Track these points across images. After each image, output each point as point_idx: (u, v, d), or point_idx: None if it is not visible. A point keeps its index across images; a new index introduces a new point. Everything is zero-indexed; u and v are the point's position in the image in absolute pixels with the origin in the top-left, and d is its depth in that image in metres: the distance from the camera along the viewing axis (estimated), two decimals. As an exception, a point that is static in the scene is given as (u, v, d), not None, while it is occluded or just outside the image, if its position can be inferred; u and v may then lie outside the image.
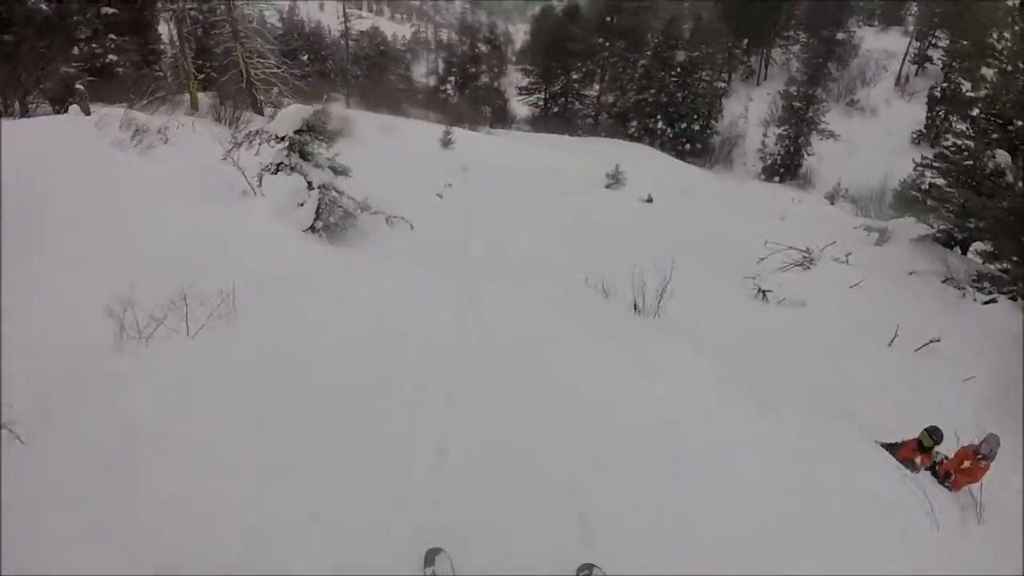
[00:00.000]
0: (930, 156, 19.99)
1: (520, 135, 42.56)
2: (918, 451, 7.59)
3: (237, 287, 6.86)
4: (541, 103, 54.10)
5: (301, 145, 11.80)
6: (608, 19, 49.99)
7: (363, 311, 7.74)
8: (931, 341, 11.59)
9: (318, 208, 11.62)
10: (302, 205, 11.44)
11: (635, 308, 9.58)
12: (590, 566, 4.28)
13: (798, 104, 44.74)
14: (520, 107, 55.81)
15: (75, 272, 6.90)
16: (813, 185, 43.07)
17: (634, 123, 47.66)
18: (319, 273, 9.19)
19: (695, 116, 46.58)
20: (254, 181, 11.81)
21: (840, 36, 43.84)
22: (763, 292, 13.90)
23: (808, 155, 45.43)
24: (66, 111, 13.51)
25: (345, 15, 46.54)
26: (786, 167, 45.13)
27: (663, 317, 9.45)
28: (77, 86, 14.83)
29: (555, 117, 51.58)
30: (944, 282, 14.63)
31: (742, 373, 8.28)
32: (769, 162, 46.00)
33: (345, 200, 12.26)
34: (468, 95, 56.57)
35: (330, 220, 11.86)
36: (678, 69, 45.75)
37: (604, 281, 10.23)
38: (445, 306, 8.81)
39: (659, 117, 46.66)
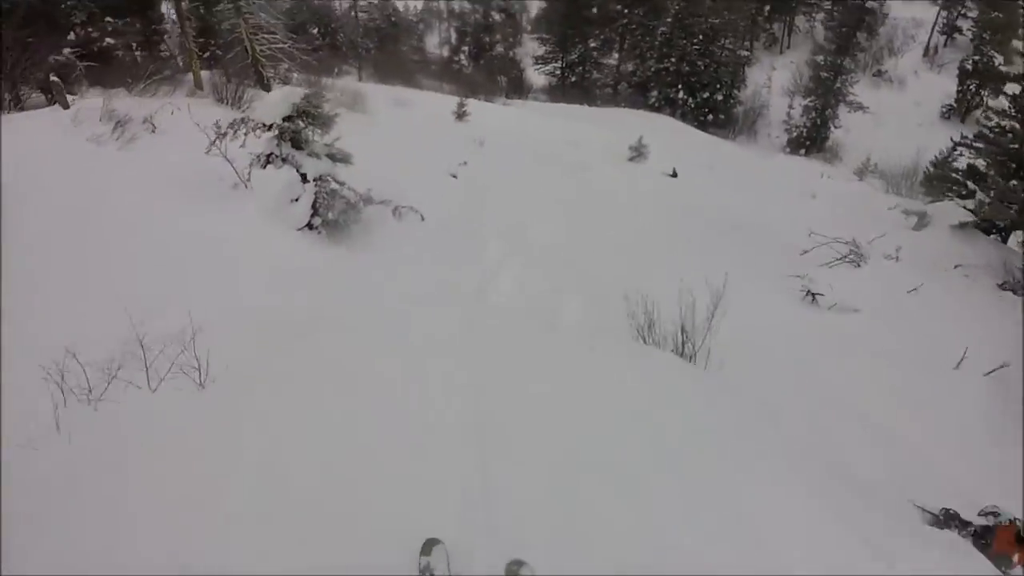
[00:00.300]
0: (969, 135, 18.74)
1: (537, 105, 41.21)
2: (1017, 544, 6.04)
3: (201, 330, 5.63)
4: (558, 72, 52.50)
5: (292, 133, 10.69)
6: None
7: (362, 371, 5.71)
8: (1002, 366, 10.30)
9: (315, 203, 10.59)
10: (296, 200, 10.41)
11: (683, 352, 7.59)
12: (519, 563, 4.00)
13: (825, 74, 42.97)
14: (536, 77, 54.20)
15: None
16: (840, 159, 41.54)
17: (654, 93, 45.99)
18: (313, 297, 8.11)
19: (718, 85, 44.89)
20: (244, 175, 10.69)
21: (870, 4, 41.90)
22: (812, 295, 12.67)
23: (835, 127, 43.83)
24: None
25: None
26: (812, 140, 43.59)
27: (723, 370, 7.52)
28: (52, 78, 13.82)
29: (573, 87, 50.06)
30: (1000, 286, 13.52)
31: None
32: (794, 134, 44.42)
33: (346, 191, 11.11)
34: (483, 65, 55.01)
35: (329, 216, 10.72)
36: (700, 37, 43.93)
37: (643, 307, 8.00)
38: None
39: (680, 87, 44.95)
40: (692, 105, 44.95)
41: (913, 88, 50.10)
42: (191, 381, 5.29)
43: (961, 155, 21.33)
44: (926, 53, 53.86)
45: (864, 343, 10.87)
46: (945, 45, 53.89)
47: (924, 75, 51.62)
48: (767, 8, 55.90)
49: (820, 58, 43.80)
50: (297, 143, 10.76)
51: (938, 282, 13.47)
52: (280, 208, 10.32)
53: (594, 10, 48.74)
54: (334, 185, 10.95)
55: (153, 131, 12.33)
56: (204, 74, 22.70)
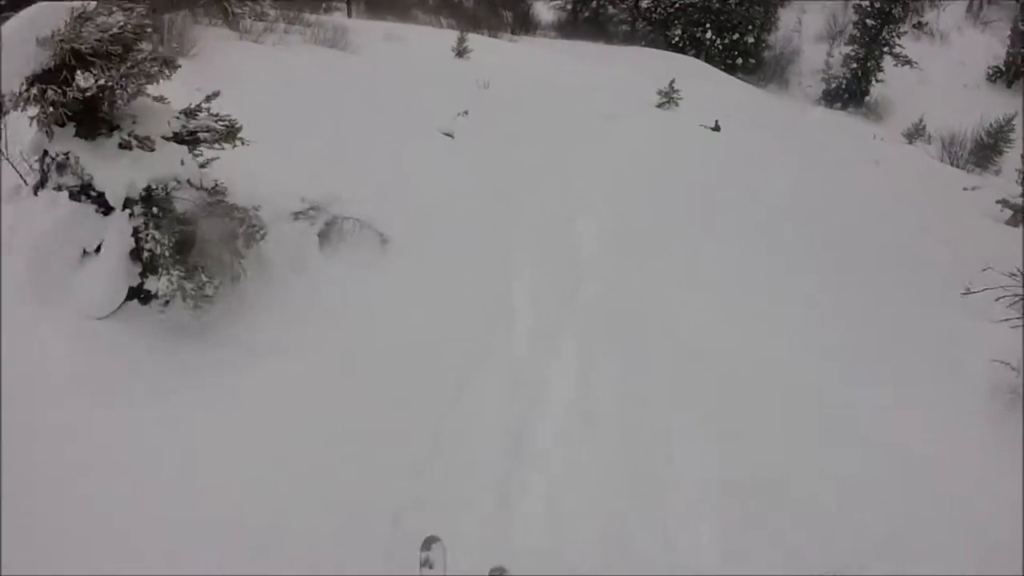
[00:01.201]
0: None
1: (547, 42, 36.90)
2: None
3: None
4: (569, 7, 47.74)
5: (70, 106, 4.93)
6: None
7: None
8: None
9: (140, 251, 5.35)
10: (92, 253, 5.33)
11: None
12: (501, 569, 4.15)
13: (871, 22, 38.41)
14: (545, 12, 49.49)
15: None
16: (880, 117, 37.42)
17: (678, 31, 41.45)
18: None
19: (749, 26, 40.29)
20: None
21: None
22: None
23: (877, 81, 39.46)
24: None
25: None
26: (851, 94, 39.20)
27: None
28: None
29: (586, 23, 45.31)
30: None
31: None
32: (833, 85, 40.01)
33: (229, 206, 5.77)
34: (485, -1, 49.97)
35: (173, 276, 5.22)
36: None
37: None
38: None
39: (708, 25, 40.34)
40: (720, 47, 40.35)
41: (957, 45, 46.03)
42: None
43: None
44: (970, 8, 49.41)
45: None
46: (990, 1, 49.22)
47: (968, 32, 47.54)
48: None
49: (865, 2, 39.12)
50: (90, 124, 5.29)
51: None
52: (57, 278, 5.20)
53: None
54: (193, 197, 5.63)
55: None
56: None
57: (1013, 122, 27.28)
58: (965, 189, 18.37)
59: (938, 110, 33.03)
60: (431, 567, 3.97)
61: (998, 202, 15.84)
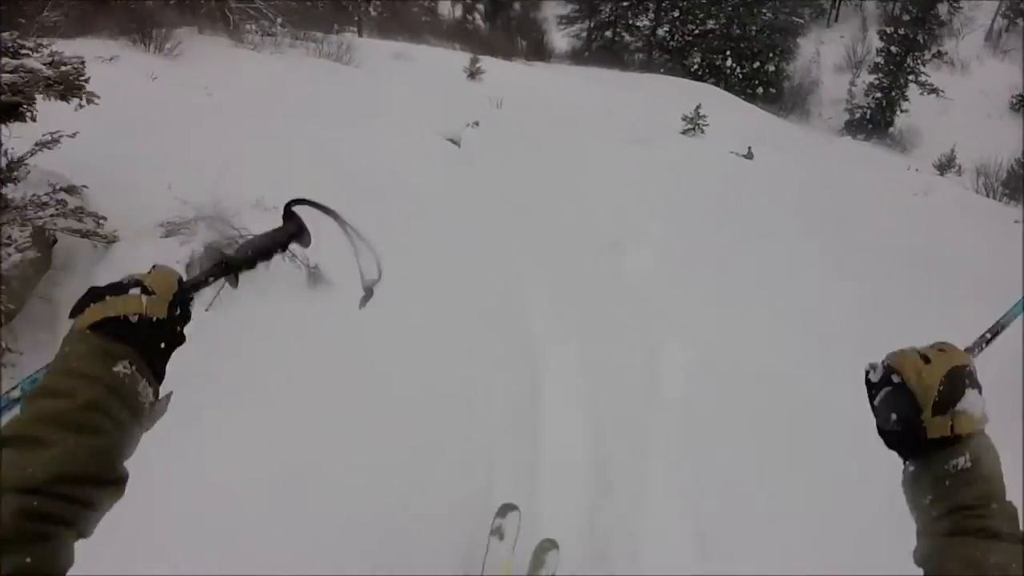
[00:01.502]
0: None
1: (562, 68, 35.88)
2: None
3: None
4: (584, 34, 46.89)
5: None
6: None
7: None
8: None
9: None
10: None
11: None
12: (551, 542, 3.80)
13: (896, 49, 37.31)
14: (559, 40, 48.68)
15: None
16: (905, 148, 36.21)
17: (697, 59, 40.42)
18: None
19: (770, 54, 39.27)
20: None
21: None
22: None
23: (901, 111, 38.29)
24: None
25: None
26: (875, 123, 38.18)
27: None
28: None
29: (601, 51, 44.47)
30: None
31: None
32: (857, 115, 38.99)
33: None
34: (499, 26, 49.21)
35: None
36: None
37: None
38: None
39: (728, 53, 39.32)
40: (740, 75, 39.32)
41: (978, 74, 45.09)
42: None
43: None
44: (988, 37, 48.54)
45: None
46: (1007, 30, 48.65)
47: (988, 61, 46.71)
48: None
49: (890, 29, 38.14)
50: None
51: None
52: None
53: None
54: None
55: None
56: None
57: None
58: (1016, 222, 16.95)
59: (964, 140, 32.17)
60: (501, 536, 3.73)
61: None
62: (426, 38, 38.11)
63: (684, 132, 20.01)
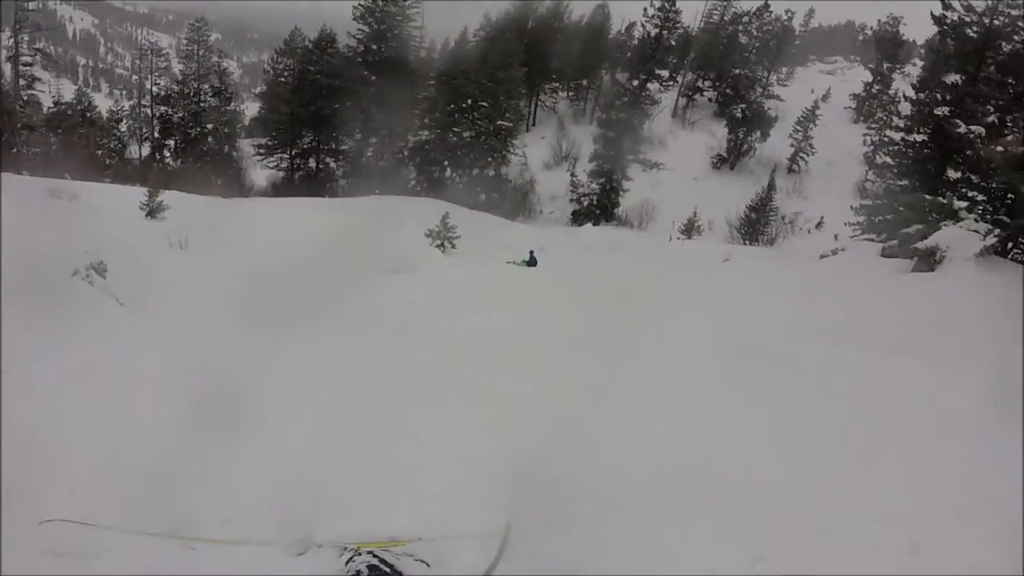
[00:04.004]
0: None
1: (267, 201, 31.74)
2: None
3: None
4: (285, 165, 43.09)
5: None
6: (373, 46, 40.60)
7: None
8: None
9: None
10: None
11: None
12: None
13: (611, 134, 38.04)
14: (260, 174, 44.41)
15: None
16: (643, 222, 36.95)
17: (412, 174, 38.07)
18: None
19: (489, 160, 37.82)
20: None
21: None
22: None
23: (623, 191, 38.80)
24: None
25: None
26: (602, 208, 38.37)
27: None
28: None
29: (304, 181, 41.00)
30: None
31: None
32: (585, 203, 38.89)
33: None
34: (192, 163, 43.65)
35: None
36: (469, 102, 36.77)
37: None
38: None
39: (446, 162, 37.28)
40: (462, 184, 37.19)
41: (673, 146, 48.51)
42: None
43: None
44: (675, 114, 53.39)
45: None
46: (687, 107, 54.32)
47: (679, 134, 50.90)
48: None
49: (605, 115, 39.32)
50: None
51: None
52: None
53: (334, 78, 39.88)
54: None
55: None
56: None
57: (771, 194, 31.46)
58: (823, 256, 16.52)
59: (679, 203, 34.67)
60: None
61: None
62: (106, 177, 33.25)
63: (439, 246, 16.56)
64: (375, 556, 3.79)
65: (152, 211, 16.11)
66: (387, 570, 3.75)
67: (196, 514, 3.86)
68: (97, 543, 3.55)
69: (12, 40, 38.28)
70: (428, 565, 3.79)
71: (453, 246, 17.50)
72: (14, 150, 34.37)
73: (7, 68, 40.85)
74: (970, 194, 15.54)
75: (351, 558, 3.70)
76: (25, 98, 39.20)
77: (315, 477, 4.31)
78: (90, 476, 4.04)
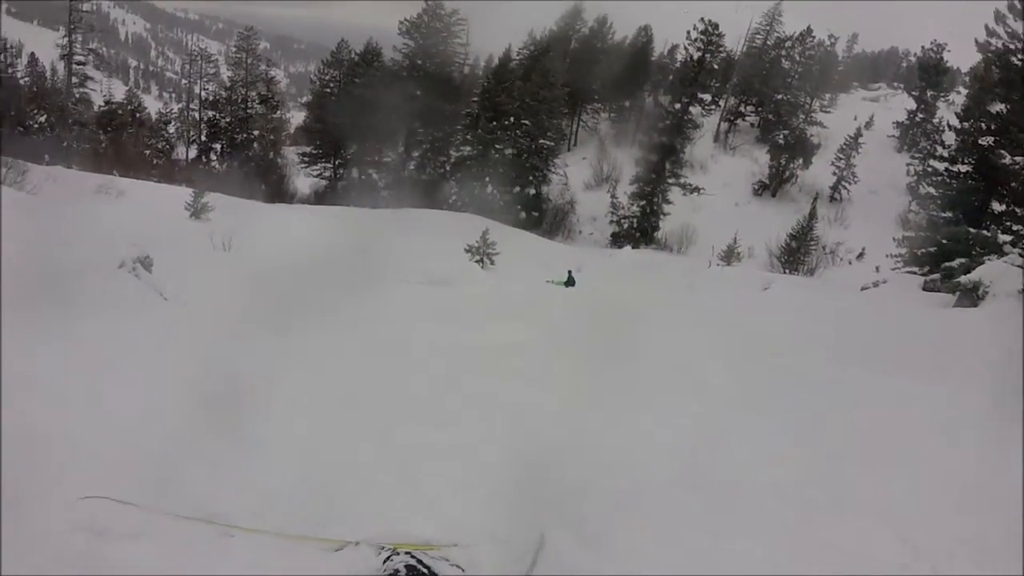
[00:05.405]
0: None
1: (310, 208, 32.42)
2: None
3: None
4: (328, 174, 43.81)
5: None
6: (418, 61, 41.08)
7: None
8: None
9: None
10: None
11: None
12: None
13: (652, 156, 38.14)
14: (303, 182, 45.38)
15: None
16: (682, 247, 36.93)
17: (455, 189, 38.44)
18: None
19: (530, 178, 38.12)
20: None
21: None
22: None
23: (664, 214, 38.79)
24: None
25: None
26: (642, 231, 38.33)
27: None
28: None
29: (349, 189, 41.43)
30: None
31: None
32: (625, 226, 38.82)
33: None
34: (237, 167, 44.73)
35: None
36: (511, 119, 37.11)
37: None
38: None
39: (488, 179, 37.63)
40: (502, 201, 37.51)
41: (714, 171, 48.22)
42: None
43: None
44: (716, 138, 53.10)
45: None
46: (729, 131, 54.00)
47: (721, 158, 50.59)
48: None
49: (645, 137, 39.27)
50: None
51: None
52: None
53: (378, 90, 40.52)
54: None
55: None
56: None
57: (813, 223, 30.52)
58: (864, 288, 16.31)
59: (721, 229, 34.13)
60: None
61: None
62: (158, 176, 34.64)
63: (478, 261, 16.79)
64: (413, 557, 3.86)
65: (197, 212, 16.49)
66: (425, 571, 3.81)
67: (224, 507, 3.90)
68: (136, 524, 3.56)
69: (66, 39, 39.56)
70: (463, 570, 3.84)
71: (492, 262, 17.65)
72: (65, 144, 35.67)
73: (61, 66, 43.05)
74: (1015, 228, 15.25)
75: (389, 557, 3.73)
76: (77, 95, 40.49)
77: (334, 480, 4.39)
78: (121, 455, 4.08)
